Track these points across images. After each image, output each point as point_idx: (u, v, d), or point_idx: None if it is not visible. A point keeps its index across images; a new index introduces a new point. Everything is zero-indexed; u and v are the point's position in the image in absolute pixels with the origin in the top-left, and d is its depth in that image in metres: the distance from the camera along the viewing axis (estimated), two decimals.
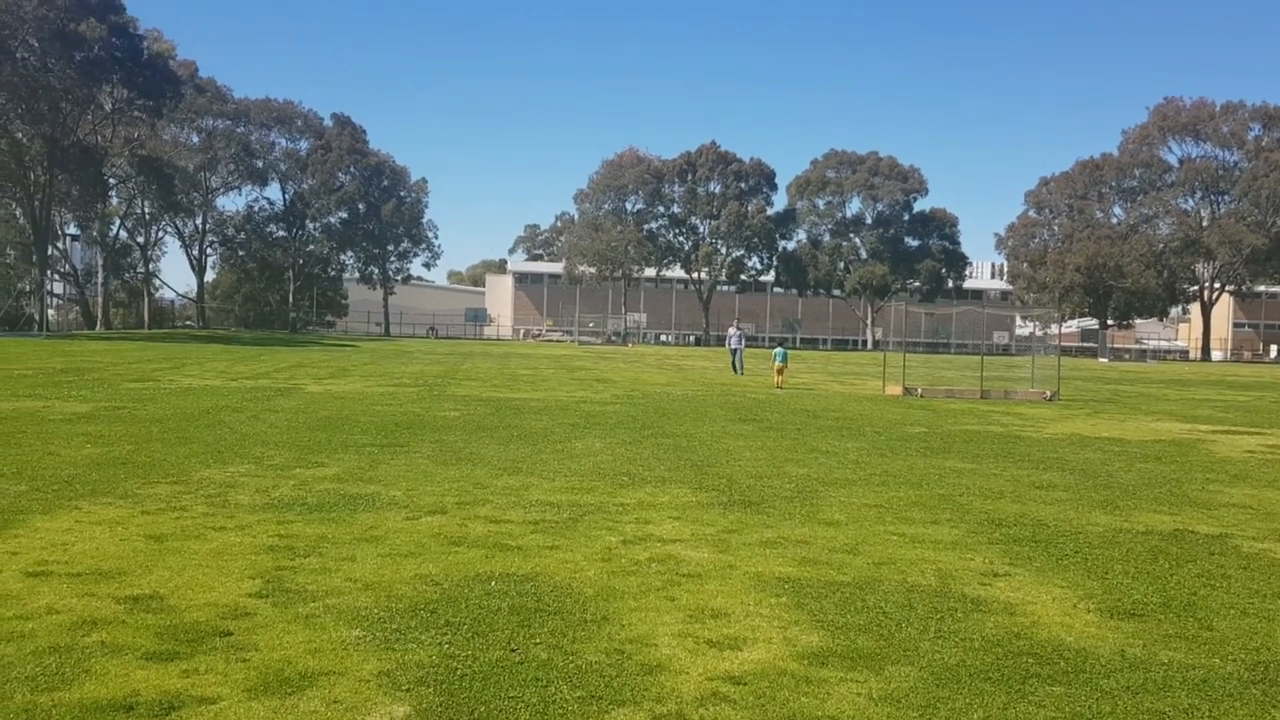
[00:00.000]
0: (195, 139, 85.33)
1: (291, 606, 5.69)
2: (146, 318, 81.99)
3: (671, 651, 5.12)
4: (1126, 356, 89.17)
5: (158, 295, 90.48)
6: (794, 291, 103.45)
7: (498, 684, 4.62)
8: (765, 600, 6.08)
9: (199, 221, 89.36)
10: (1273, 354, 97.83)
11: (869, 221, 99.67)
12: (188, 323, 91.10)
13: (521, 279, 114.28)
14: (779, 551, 7.35)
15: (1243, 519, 9.13)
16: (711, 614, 5.78)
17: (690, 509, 8.91)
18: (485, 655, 4.98)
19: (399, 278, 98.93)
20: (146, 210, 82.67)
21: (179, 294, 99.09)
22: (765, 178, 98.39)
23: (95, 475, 9.76)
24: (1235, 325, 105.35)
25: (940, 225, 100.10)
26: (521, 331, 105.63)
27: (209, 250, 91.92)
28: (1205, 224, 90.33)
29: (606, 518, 8.41)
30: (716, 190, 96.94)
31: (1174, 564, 7.26)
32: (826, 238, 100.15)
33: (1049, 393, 25.95)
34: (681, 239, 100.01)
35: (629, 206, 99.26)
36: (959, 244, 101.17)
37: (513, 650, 5.08)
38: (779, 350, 29.50)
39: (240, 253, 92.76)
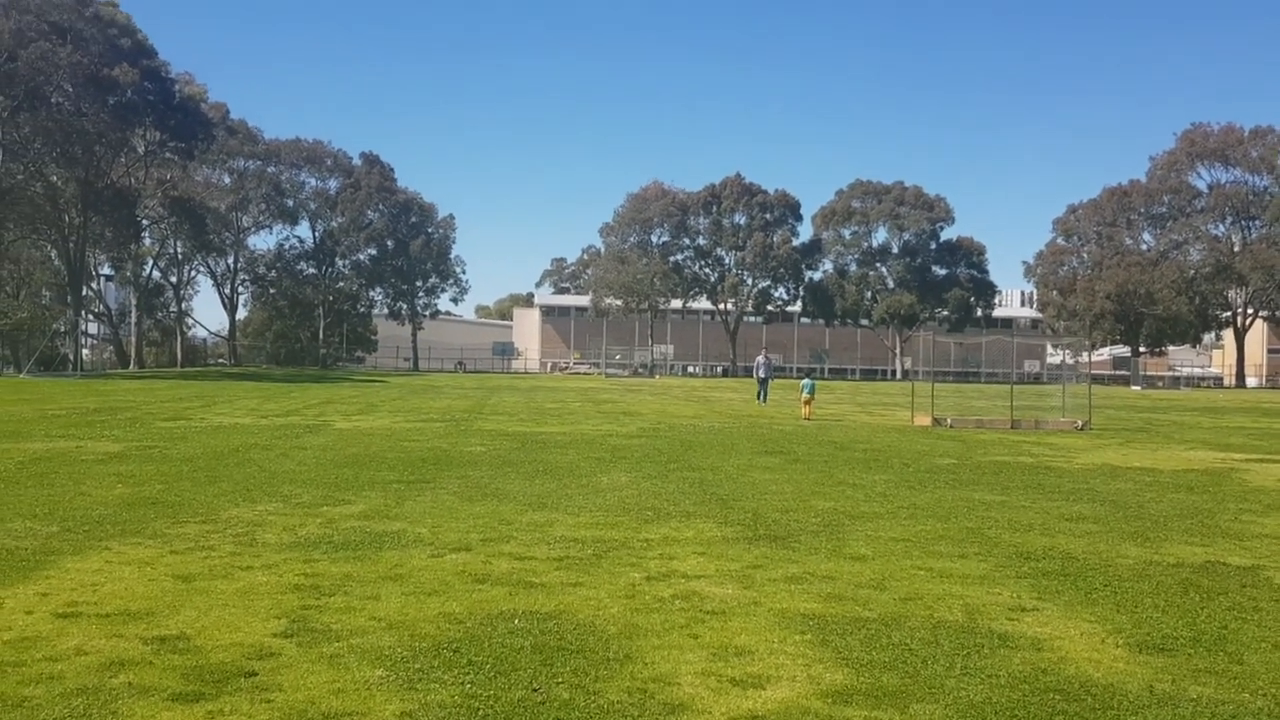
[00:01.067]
0: (227, 179, 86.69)
1: (316, 646, 5.72)
2: (179, 356, 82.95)
3: (694, 690, 5.10)
4: (1160, 384, 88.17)
5: (190, 334, 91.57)
6: (821, 322, 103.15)
7: None
8: (790, 637, 6.05)
9: (231, 260, 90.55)
10: None
11: (895, 251, 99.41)
12: (220, 360, 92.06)
13: (548, 312, 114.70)
14: (804, 587, 7.32)
15: (1275, 550, 9.00)
16: (735, 652, 5.75)
17: (715, 544, 8.88)
18: (507, 695, 4.99)
19: (427, 313, 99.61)
20: (179, 250, 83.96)
21: (211, 332, 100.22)
22: (790, 208, 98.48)
23: (125, 515, 9.86)
24: (1270, 351, 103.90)
25: (968, 254, 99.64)
26: (549, 365, 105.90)
27: (240, 288, 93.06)
28: (1237, 249, 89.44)
29: (631, 554, 8.41)
30: (741, 222, 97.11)
31: (1205, 597, 7.16)
32: (853, 267, 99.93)
33: (1080, 422, 25.71)
34: (707, 270, 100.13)
35: (654, 239, 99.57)
36: (987, 272, 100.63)
37: (535, 690, 5.08)
38: (807, 381, 29.42)
39: (271, 290, 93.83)
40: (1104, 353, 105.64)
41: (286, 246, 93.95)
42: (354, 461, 14.87)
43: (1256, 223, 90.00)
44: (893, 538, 9.35)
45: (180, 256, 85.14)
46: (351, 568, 7.72)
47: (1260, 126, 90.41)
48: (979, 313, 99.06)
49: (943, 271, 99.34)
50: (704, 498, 11.71)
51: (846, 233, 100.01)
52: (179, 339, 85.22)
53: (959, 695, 5.06)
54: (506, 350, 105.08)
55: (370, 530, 9.27)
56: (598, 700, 4.93)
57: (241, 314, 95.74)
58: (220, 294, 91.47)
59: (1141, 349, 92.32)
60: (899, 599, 7.02)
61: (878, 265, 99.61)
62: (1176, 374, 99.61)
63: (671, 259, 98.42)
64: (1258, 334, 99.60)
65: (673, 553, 8.48)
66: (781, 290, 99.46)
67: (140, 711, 4.70)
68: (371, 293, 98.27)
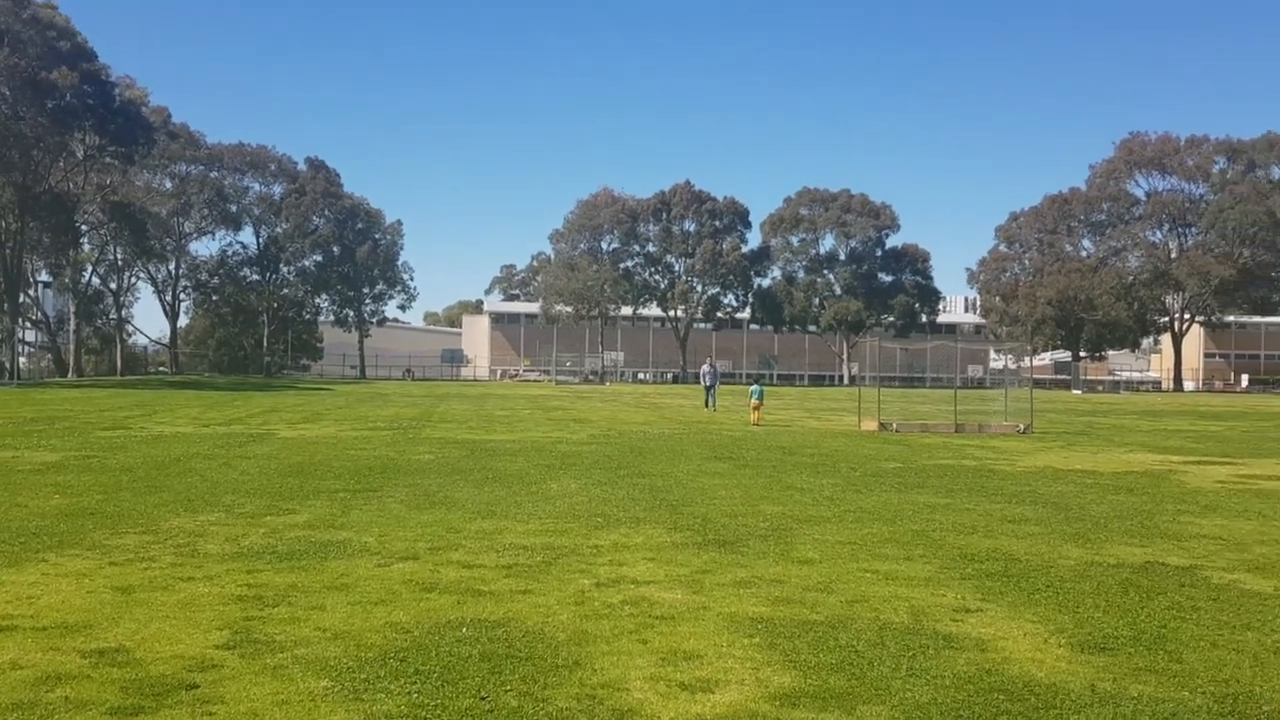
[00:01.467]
0: (168, 184, 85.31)
1: (259, 658, 5.63)
2: (119, 364, 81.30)
3: (644, 695, 5.10)
4: (1100, 388, 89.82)
5: (130, 341, 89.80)
6: (770, 328, 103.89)
7: None
8: (738, 641, 6.06)
9: (172, 267, 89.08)
10: (1244, 383, 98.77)
11: (842, 258, 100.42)
12: (161, 369, 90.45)
13: (498, 319, 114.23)
14: (752, 591, 7.34)
15: (1213, 550, 9.20)
16: (684, 656, 5.76)
17: (664, 550, 8.89)
18: (455, 704, 4.94)
19: (374, 320, 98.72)
20: (119, 256, 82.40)
21: (152, 340, 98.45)
22: (739, 216, 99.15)
23: (63, 526, 9.64)
24: (1206, 355, 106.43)
25: (913, 261, 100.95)
26: (499, 372, 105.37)
27: (182, 295, 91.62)
28: (1174, 256, 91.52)
29: (580, 560, 8.38)
30: (691, 229, 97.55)
31: (1145, 597, 7.30)
32: (801, 274, 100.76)
33: (1022, 425, 26.12)
34: (657, 277, 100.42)
35: (604, 246, 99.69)
36: (931, 279, 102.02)
37: (483, 698, 5.04)
38: (755, 387, 29.58)
39: (214, 297, 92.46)
40: (1045, 357, 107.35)
41: (230, 253, 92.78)
42: (298, 470, 14.67)
43: (1192, 230, 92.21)
44: (840, 541, 9.42)
45: (120, 263, 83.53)
46: (296, 578, 7.61)
47: (1195, 136, 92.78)
48: (924, 319, 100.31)
49: (888, 278, 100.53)
50: (654, 504, 11.71)
51: (794, 240, 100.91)
52: (119, 347, 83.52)
53: (905, 696, 5.10)
54: (455, 357, 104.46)
55: (315, 540, 9.15)
56: (546, 707, 4.91)
57: (183, 321, 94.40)
58: (161, 301, 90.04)
59: (1082, 354, 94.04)
60: (846, 601, 7.07)
61: (825, 272, 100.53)
62: (1116, 378, 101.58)
63: (622, 266, 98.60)
64: (1194, 339, 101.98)
65: (622, 559, 8.47)
66: (731, 297, 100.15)
67: None
68: (317, 299, 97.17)
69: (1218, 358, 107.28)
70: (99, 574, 7.66)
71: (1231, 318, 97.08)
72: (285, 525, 9.91)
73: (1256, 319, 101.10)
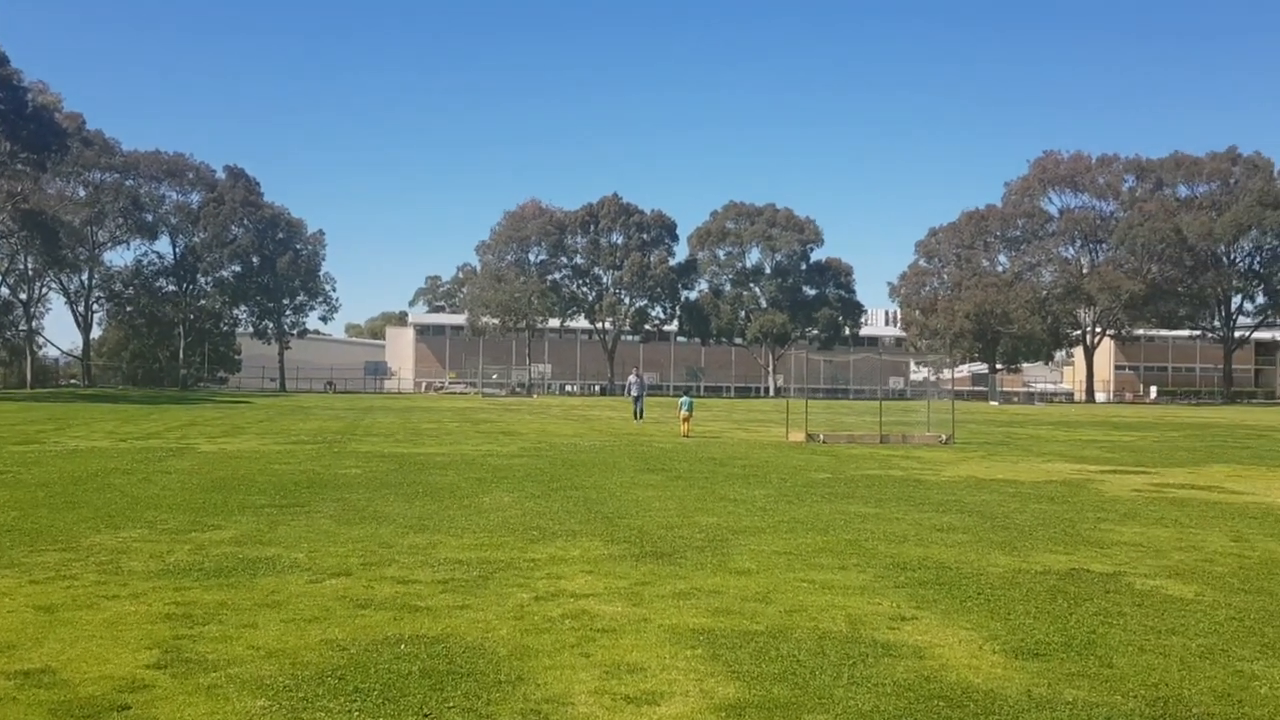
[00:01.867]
0: (82, 192, 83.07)
1: (191, 677, 5.48)
2: (29, 377, 78.74)
3: (589, 709, 5.07)
4: (1015, 399, 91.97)
5: (41, 354, 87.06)
6: (697, 340, 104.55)
7: None
8: (680, 653, 6.07)
9: (85, 277, 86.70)
10: (1153, 395, 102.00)
11: (768, 271, 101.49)
12: (72, 381, 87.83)
13: (423, 331, 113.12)
14: (692, 602, 7.36)
15: (1134, 557, 9.46)
16: (627, 669, 5.74)
17: (602, 562, 8.87)
18: None
19: (294, 332, 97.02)
20: (29, 266, 79.85)
21: (64, 352, 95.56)
22: (667, 229, 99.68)
23: None
24: (1117, 368, 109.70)
25: (836, 275, 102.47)
26: (424, 384, 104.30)
27: (95, 306, 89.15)
28: (1085, 271, 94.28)
29: (518, 574, 8.32)
30: (619, 241, 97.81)
31: (1072, 603, 7.48)
32: (727, 287, 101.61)
33: (945, 436, 26.62)
34: (585, 289, 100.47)
35: (532, 257, 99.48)
36: (854, 293, 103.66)
37: (426, 715, 4.97)
38: (685, 399, 29.70)
39: (128, 308, 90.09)
40: (963, 369, 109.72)
41: (145, 262, 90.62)
42: (222, 485, 14.33)
43: (1103, 246, 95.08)
44: (775, 551, 9.49)
45: (31, 272, 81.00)
46: (225, 595, 7.43)
47: (1106, 155, 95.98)
48: (847, 331, 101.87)
49: (813, 291, 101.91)
50: (589, 516, 11.68)
51: (721, 253, 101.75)
52: (29, 359, 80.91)
53: (848, 705, 5.15)
54: (379, 370, 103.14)
55: (243, 556, 8.94)
56: None
57: (96, 333, 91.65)
58: (74, 312, 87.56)
59: (998, 366, 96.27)
60: (784, 611, 7.12)
61: (751, 285, 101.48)
62: (1031, 390, 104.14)
63: (549, 278, 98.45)
64: (1105, 351, 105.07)
65: (560, 572, 8.42)
66: (659, 309, 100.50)
67: None
68: (236, 311, 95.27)
69: (1127, 370, 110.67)
70: (19, 593, 7.39)
71: (1140, 331, 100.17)
72: (211, 541, 9.67)
73: (1164, 332, 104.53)
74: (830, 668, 5.78)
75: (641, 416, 37.35)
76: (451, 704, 5.12)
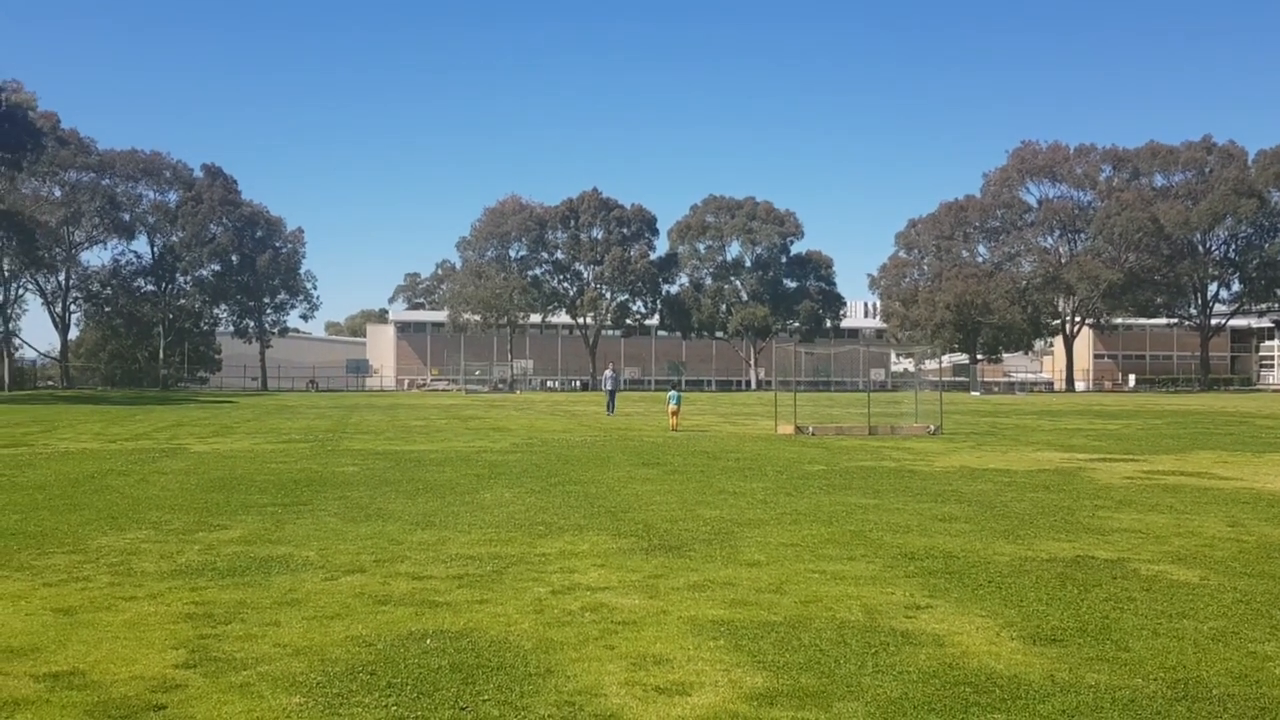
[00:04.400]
0: (58, 192, 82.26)
1: (223, 676, 5.51)
2: (6, 379, 77.98)
3: (622, 700, 5.14)
4: (996, 389, 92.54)
5: (18, 355, 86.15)
6: (678, 334, 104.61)
7: None
8: (704, 644, 6.14)
9: (62, 277, 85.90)
10: (1131, 383, 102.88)
11: (748, 264, 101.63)
12: (50, 383, 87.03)
13: (404, 328, 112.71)
14: (708, 594, 7.43)
15: (1135, 543, 9.60)
16: (654, 660, 5.80)
17: (612, 556, 8.93)
18: (435, 715, 4.92)
19: (275, 330, 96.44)
20: (5, 267, 79.05)
21: (41, 353, 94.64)
22: (647, 223, 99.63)
23: None
24: (1096, 356, 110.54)
25: (817, 267, 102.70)
26: (406, 382, 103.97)
27: (73, 307, 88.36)
28: (1064, 261, 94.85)
29: (530, 569, 8.37)
30: (599, 236, 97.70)
31: (1082, 589, 7.59)
32: (708, 281, 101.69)
33: (933, 427, 26.80)
34: (566, 285, 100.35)
35: (512, 253, 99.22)
36: (835, 285, 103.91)
37: (463, 709, 5.02)
38: (673, 393, 29.73)
39: (106, 309, 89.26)
40: (944, 360, 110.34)
41: (123, 262, 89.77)
42: (221, 485, 14.31)
43: (1082, 235, 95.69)
44: (782, 543, 9.58)
45: (7, 273, 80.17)
46: (243, 594, 7.45)
47: (1084, 144, 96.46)
48: (828, 324, 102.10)
49: (793, 284, 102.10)
50: (592, 510, 11.73)
51: (701, 247, 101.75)
52: (6, 361, 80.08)
53: (877, 692, 5.24)
54: (361, 368, 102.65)
55: (254, 555, 8.96)
56: (527, 716, 4.92)
57: (74, 334, 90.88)
58: (51, 313, 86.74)
59: (979, 356, 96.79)
60: (800, 602, 7.20)
61: (732, 279, 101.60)
62: (1011, 380, 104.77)
63: (530, 273, 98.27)
64: (1084, 341, 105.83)
65: (572, 566, 8.48)
66: (639, 304, 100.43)
67: None
68: (216, 310, 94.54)
69: (1106, 358, 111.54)
70: (34, 595, 7.39)
71: (1119, 320, 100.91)
72: (219, 541, 9.67)
73: (1142, 321, 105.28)
74: (854, 657, 5.86)
75: (612, 411, 38.80)
76: (485, 697, 5.17)
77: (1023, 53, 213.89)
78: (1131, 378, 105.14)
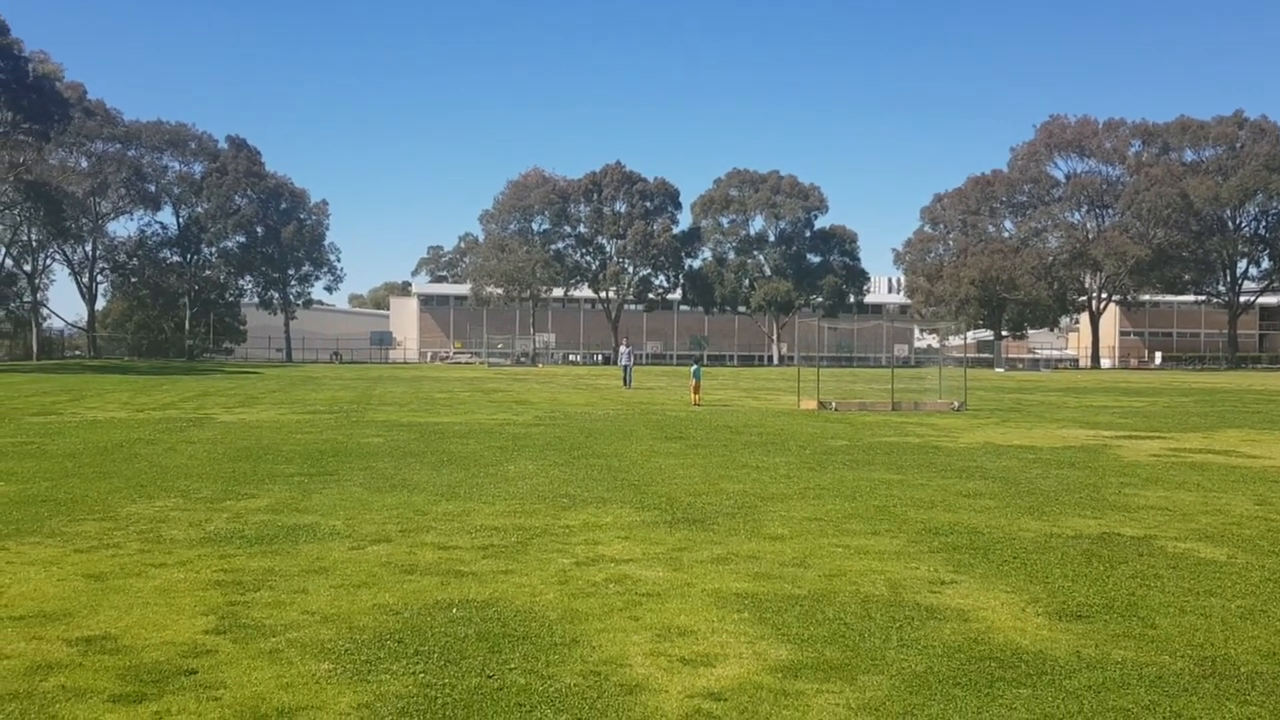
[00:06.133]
0: (84, 163, 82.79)
1: (252, 642, 5.58)
2: (35, 348, 78.83)
3: (647, 671, 5.16)
4: (1020, 366, 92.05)
5: (46, 325, 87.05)
6: (700, 309, 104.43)
7: (481, 711, 4.61)
8: (728, 616, 6.16)
9: (89, 248, 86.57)
10: (1158, 360, 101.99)
11: (772, 239, 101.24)
12: (77, 353, 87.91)
13: (427, 301, 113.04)
14: (731, 567, 7.45)
15: (1162, 520, 9.54)
16: (678, 632, 5.83)
17: (636, 528, 8.96)
18: (462, 683, 4.96)
19: (300, 302, 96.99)
20: (33, 237, 79.74)
21: (68, 323, 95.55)
22: (670, 197, 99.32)
23: (16, 514, 9.39)
24: (1122, 333, 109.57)
25: (841, 242, 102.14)
26: (429, 354, 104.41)
27: (100, 277, 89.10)
28: (1092, 237, 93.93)
29: (555, 540, 8.41)
30: (622, 210, 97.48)
31: (1108, 566, 7.56)
32: (731, 255, 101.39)
33: (957, 403, 26.68)
34: (588, 259, 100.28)
35: (535, 227, 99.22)
36: (859, 260, 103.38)
37: (489, 677, 5.06)
38: (696, 368, 29.71)
39: (133, 279, 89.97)
40: (968, 336, 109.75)
41: (149, 233, 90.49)
42: (248, 455, 14.44)
43: (1110, 211, 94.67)
44: (805, 517, 9.58)
45: (35, 244, 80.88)
46: (271, 562, 7.52)
47: (1113, 119, 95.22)
48: (851, 299, 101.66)
49: (817, 259, 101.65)
50: (615, 483, 11.77)
51: (725, 221, 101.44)
52: (34, 331, 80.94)
53: (902, 666, 5.24)
54: (384, 340, 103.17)
55: (282, 524, 9.04)
56: (554, 684, 4.95)
57: (101, 304, 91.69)
58: (78, 283, 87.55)
59: (1004, 332, 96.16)
60: (824, 576, 7.21)
61: (755, 253, 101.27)
62: (1036, 356, 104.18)
63: (552, 247, 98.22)
64: (1111, 317, 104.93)
65: (596, 538, 8.51)
66: (662, 278, 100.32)
67: (82, 714, 4.51)
68: (240, 281, 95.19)
69: (1132, 335, 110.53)
70: (66, 561, 7.49)
71: (1146, 297, 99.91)
72: (247, 510, 9.76)
73: (1170, 298, 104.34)
74: (878, 630, 5.86)
75: (629, 384, 39.85)
76: (512, 665, 5.21)
77: (1052, 27, 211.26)
78: (1158, 355, 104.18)
